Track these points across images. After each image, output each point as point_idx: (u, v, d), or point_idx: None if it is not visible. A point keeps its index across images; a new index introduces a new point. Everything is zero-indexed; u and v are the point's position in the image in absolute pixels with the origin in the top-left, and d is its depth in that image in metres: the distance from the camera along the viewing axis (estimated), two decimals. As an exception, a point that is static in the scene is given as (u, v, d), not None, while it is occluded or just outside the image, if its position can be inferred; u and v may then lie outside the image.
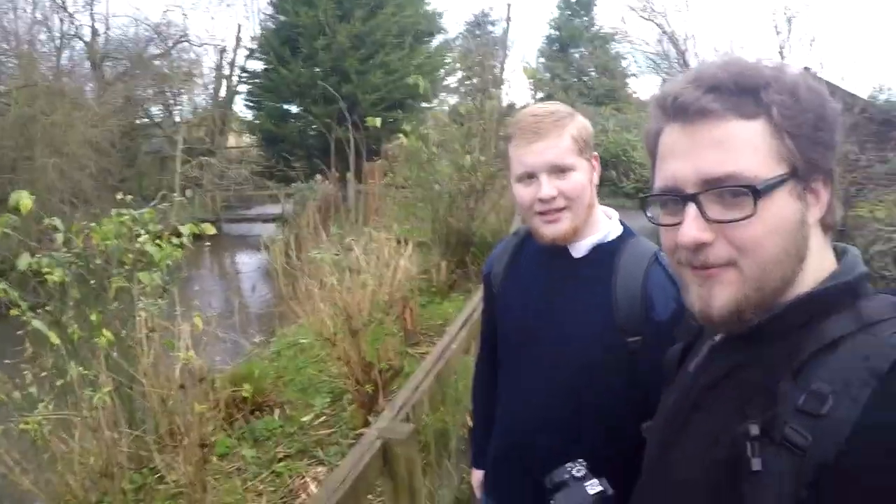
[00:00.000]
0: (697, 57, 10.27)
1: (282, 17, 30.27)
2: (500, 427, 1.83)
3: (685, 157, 0.85)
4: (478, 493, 2.12)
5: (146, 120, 31.44)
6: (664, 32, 11.24)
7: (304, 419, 4.55)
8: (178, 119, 31.64)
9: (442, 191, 9.76)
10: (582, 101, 28.82)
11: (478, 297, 4.62)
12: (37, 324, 3.72)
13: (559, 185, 1.53)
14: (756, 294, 0.83)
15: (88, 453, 3.51)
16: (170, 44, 31.78)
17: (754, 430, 0.73)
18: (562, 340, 1.61)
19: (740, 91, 0.82)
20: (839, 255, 0.89)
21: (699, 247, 0.83)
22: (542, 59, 37.57)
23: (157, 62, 31.18)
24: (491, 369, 1.94)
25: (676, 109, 0.86)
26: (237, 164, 26.90)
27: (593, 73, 35.92)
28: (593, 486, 1.19)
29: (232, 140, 34.53)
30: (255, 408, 4.66)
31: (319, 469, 3.87)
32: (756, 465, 0.71)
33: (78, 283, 4.23)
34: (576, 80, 36.06)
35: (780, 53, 9.45)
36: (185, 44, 32.88)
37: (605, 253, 1.61)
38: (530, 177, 1.56)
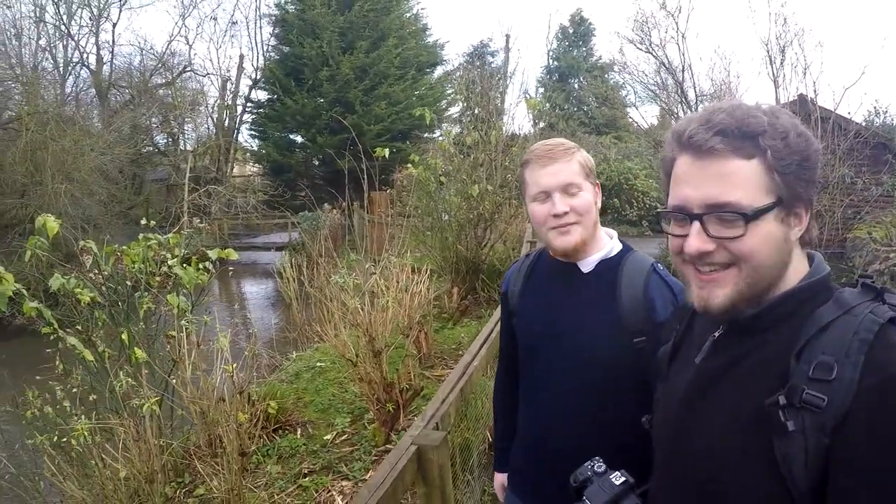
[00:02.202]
0: (695, 87, 10.57)
1: (286, 49, 30.72)
2: (523, 431, 2.02)
3: (694, 184, 1.08)
4: (500, 495, 2.26)
5: (151, 148, 31.87)
6: (662, 64, 11.53)
7: (327, 437, 4.69)
8: (183, 147, 32.02)
9: (451, 220, 9.99)
10: (583, 131, 29.15)
11: (494, 318, 4.81)
12: (72, 340, 3.90)
13: (570, 202, 1.78)
14: (749, 290, 1.07)
15: (131, 460, 3.68)
16: (174, 73, 32.34)
17: (782, 400, 0.94)
18: (577, 346, 1.81)
19: (742, 136, 1.04)
20: (809, 260, 1.14)
21: (703, 254, 1.07)
22: (541, 90, 38.10)
23: (161, 91, 31.64)
24: (509, 379, 2.15)
25: (689, 145, 1.09)
26: (243, 192, 27.16)
27: (593, 103, 36.40)
28: (617, 478, 1.37)
29: (236, 169, 34.91)
30: (277, 426, 4.82)
31: (345, 483, 3.99)
32: (791, 426, 0.93)
33: (109, 305, 4.43)
34: (576, 109, 36.54)
35: (775, 82, 9.72)
36: (190, 73, 33.58)
37: (610, 266, 1.84)
38: (545, 195, 1.80)
